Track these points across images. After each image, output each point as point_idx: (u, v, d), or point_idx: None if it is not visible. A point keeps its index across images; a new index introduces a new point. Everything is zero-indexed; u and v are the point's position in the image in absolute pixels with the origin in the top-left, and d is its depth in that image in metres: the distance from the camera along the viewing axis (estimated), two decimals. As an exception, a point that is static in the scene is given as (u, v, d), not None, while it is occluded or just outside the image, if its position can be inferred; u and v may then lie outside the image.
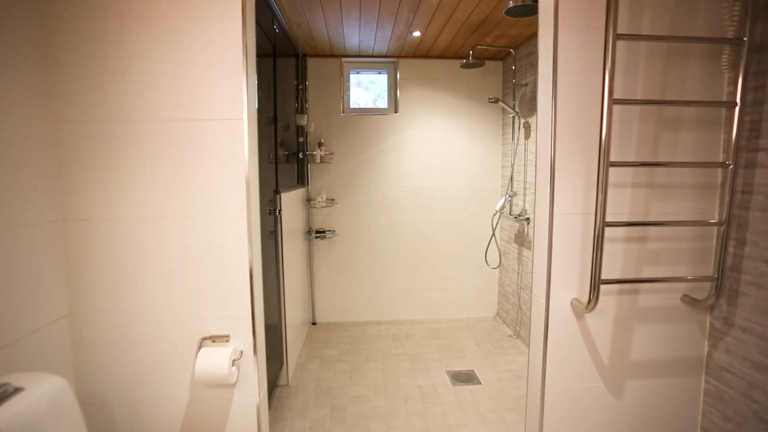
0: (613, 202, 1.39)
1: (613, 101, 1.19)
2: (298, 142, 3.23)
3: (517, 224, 3.16)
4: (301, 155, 3.26)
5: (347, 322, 3.52)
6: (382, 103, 3.57)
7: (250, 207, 1.33)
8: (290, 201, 2.76)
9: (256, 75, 1.42)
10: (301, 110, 2.70)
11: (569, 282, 1.40)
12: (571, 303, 1.40)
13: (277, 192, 2.35)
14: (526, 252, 3.01)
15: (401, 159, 3.43)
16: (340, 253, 3.47)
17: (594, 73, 1.33)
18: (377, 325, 3.49)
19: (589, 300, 1.27)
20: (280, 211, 2.34)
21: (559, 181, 1.36)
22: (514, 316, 3.24)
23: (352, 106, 3.49)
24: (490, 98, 2.81)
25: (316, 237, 3.33)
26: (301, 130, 3.18)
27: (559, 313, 1.40)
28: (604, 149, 1.19)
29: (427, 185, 3.46)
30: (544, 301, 1.41)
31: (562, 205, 1.37)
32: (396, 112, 3.44)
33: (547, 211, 1.39)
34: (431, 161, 3.45)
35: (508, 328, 3.35)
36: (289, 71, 3.02)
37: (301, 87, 3.12)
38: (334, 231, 3.44)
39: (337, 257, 3.47)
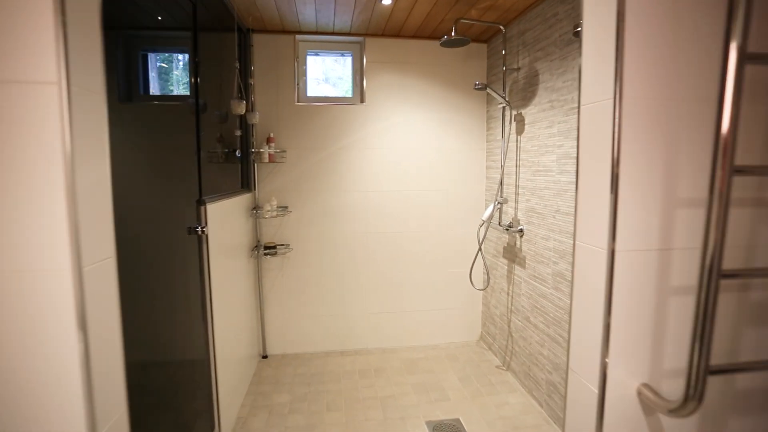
0: (685, 227, 0.87)
1: (747, 57, 0.66)
2: (242, 137, 2.60)
3: (506, 236, 2.66)
4: (243, 153, 2.63)
5: (305, 354, 2.93)
6: (346, 90, 2.98)
7: (80, 246, 0.72)
8: (226, 212, 2.14)
9: (97, 24, 0.81)
10: (241, 96, 2.09)
11: (636, 359, 0.87)
12: (640, 393, 0.88)
13: (200, 203, 1.74)
14: (518, 270, 2.51)
15: (369, 158, 2.86)
16: (296, 272, 2.87)
17: (691, 17, 0.81)
18: (341, 356, 2.91)
19: (687, 397, 0.75)
20: (204, 227, 1.72)
21: (623, 197, 0.83)
22: (502, 344, 2.75)
23: (309, 94, 2.88)
24: (476, 85, 2.30)
25: (266, 253, 2.71)
26: (243, 122, 2.55)
27: (619, 407, 0.88)
28: (723, 145, 0.67)
29: (400, 189, 2.91)
30: (596, 389, 0.88)
31: (628, 237, 0.84)
32: (362, 101, 2.86)
33: (603, 244, 0.86)
34: (405, 161, 2.90)
35: (495, 356, 2.85)
36: (226, 48, 2.38)
37: (239, 68, 2.49)
38: (287, 245, 2.83)
39: (291, 276, 2.87)
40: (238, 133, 2.24)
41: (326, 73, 3.01)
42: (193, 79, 1.78)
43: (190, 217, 1.78)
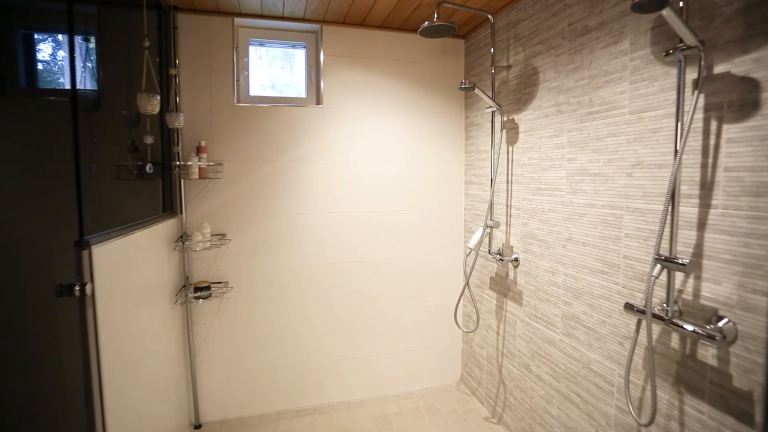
0: None
1: None
2: (163, 147, 1.98)
3: (495, 264, 2.24)
4: (166, 167, 2.02)
5: (252, 418, 2.32)
6: (298, 90, 2.45)
7: None
8: (135, 249, 1.54)
9: None
10: (154, 90, 1.50)
11: None
12: None
13: (81, 245, 1.14)
14: (511, 306, 2.09)
15: (327, 172, 2.34)
16: (237, 315, 2.27)
17: None
18: (297, 417, 2.34)
19: None
20: (85, 285, 1.12)
21: None
22: (491, 391, 2.31)
23: (252, 93, 2.32)
24: (462, 84, 1.87)
25: (197, 296, 2.10)
26: (163, 126, 1.94)
27: None
28: None
29: (366, 209, 2.41)
30: None
31: None
32: (319, 103, 2.35)
33: None
34: (371, 175, 2.41)
35: (482, 405, 2.41)
36: (140, 30, 1.78)
37: (152, 54, 1.90)
38: (225, 283, 2.23)
39: (232, 321, 2.27)
40: (149, 140, 1.62)
41: (272, 80, 2.47)
42: (71, 66, 1.18)
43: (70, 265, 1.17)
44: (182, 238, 2.13)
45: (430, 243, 2.54)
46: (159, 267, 1.84)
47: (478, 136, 2.39)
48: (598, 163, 1.53)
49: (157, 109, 1.51)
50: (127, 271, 1.46)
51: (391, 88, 2.41)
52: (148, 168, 1.61)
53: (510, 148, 2.08)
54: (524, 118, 1.96)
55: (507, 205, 2.11)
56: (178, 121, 1.84)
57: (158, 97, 1.51)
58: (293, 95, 2.42)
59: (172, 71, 1.90)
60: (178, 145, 2.04)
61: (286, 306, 2.33)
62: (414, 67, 2.45)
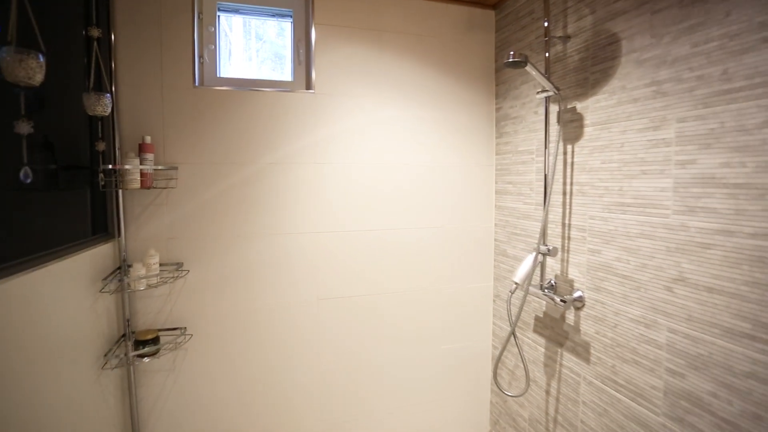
0: None
1: None
2: (93, 145, 1.40)
3: (542, 301, 1.69)
4: (94, 172, 1.43)
5: (219, 507, 1.73)
6: (283, 70, 1.89)
7: None
8: (32, 294, 0.96)
9: None
10: (34, 45, 0.91)
11: None
12: None
13: None
14: (570, 361, 1.54)
15: (321, 178, 1.77)
16: (200, 373, 1.69)
17: None
18: (281, 504, 1.76)
19: None
20: None
21: None
22: (537, 466, 1.76)
23: (223, 74, 1.75)
24: (510, 58, 1.32)
25: (140, 354, 1.51)
26: (85, 114, 1.36)
27: None
28: None
29: (371, 228, 1.85)
30: None
31: None
32: (309, 88, 1.78)
33: None
34: (378, 183, 1.85)
35: (523, 480, 1.85)
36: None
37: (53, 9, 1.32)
38: (182, 330, 1.65)
39: (193, 382, 1.68)
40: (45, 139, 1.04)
41: (249, 57, 1.90)
42: None
43: None
44: (120, 270, 1.54)
45: (452, 269, 1.98)
46: (75, 317, 1.26)
47: (517, 132, 1.84)
48: (740, 168, 0.99)
49: (39, 79, 0.92)
50: (13, 331, 0.88)
51: (403, 68, 1.86)
52: (23, 175, 1.02)
53: (570, 147, 1.53)
54: (593, 106, 1.42)
55: (563, 224, 1.57)
56: (101, 105, 1.25)
57: (40, 58, 0.92)
58: (276, 78, 1.85)
59: (94, 32, 1.31)
60: (104, 140, 1.44)
61: (268, 357, 1.75)
62: (432, 44, 1.90)
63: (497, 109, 1.99)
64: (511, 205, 1.89)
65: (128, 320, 1.57)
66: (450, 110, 1.94)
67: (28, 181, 1.01)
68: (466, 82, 1.96)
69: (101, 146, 1.28)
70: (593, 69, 1.42)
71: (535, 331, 1.75)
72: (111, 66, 1.47)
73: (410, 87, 1.87)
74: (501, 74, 1.95)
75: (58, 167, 1.35)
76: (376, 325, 1.89)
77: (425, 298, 1.95)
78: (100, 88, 1.32)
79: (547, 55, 1.57)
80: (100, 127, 1.28)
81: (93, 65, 1.23)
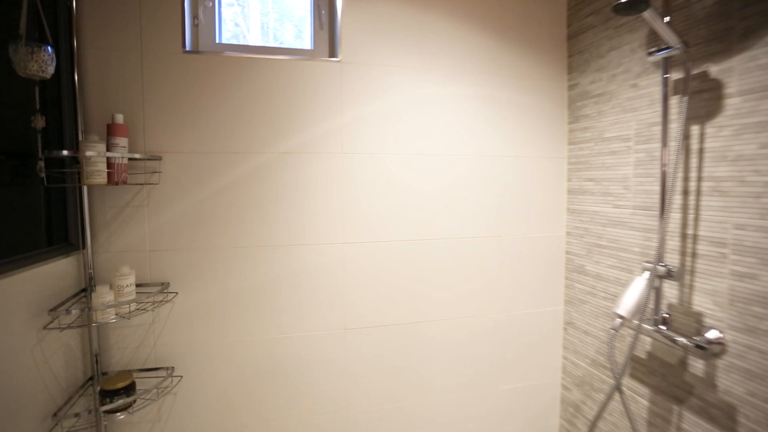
0: None
1: None
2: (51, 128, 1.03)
3: (649, 340, 1.25)
4: (46, 162, 1.05)
5: None
6: (300, 35, 1.49)
7: None
8: None
9: None
10: None
11: None
12: None
13: None
14: (699, 426, 1.10)
15: (348, 173, 1.37)
16: (192, 426, 1.29)
17: None
18: None
19: None
20: None
21: None
22: None
23: (223, 40, 1.36)
24: (623, 1, 0.91)
25: (108, 410, 1.11)
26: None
27: None
28: None
29: (412, 237, 1.44)
30: None
31: None
32: (333, 56, 1.38)
33: None
34: (420, 180, 1.44)
35: None
36: None
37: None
38: (168, 369, 1.26)
39: (181, 436, 1.29)
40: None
41: (262, 22, 1.50)
42: None
43: None
44: (84, 294, 1.16)
45: (510, 290, 1.56)
46: (18, 359, 0.88)
47: (602, 114, 1.41)
48: None
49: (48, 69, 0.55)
50: None
51: (452, 34, 1.45)
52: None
53: (697, 128, 1.10)
54: (741, 67, 0.99)
55: (683, 236, 1.13)
56: (37, 61, 0.86)
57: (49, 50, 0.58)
58: (291, 45, 1.46)
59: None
60: (43, 114, 1.06)
61: (280, 405, 1.35)
62: (488, 3, 1.48)
63: (571, 87, 1.56)
64: (593, 208, 1.45)
65: (97, 358, 1.19)
66: (509, 87, 1.51)
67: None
68: (530, 52, 1.53)
69: (39, 122, 0.90)
70: (745, 12, 0.98)
71: (635, 377, 1.31)
72: (70, 15, 1.09)
73: (460, 57, 1.46)
74: (576, 42, 1.52)
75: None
76: (419, 362, 1.47)
77: (478, 326, 1.52)
78: (42, 39, 0.94)
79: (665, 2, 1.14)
80: (37, 94, 0.90)
81: (25, 3, 0.85)
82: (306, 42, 1.46)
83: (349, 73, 1.36)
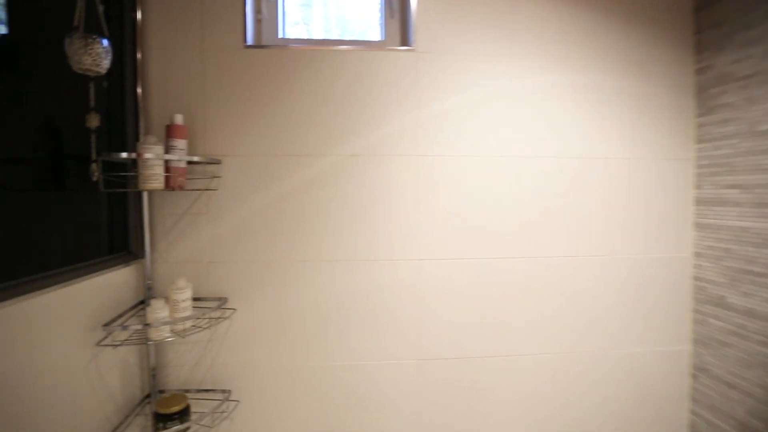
0: None
1: None
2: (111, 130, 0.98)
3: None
4: (109, 166, 0.99)
5: None
6: (369, 26, 1.35)
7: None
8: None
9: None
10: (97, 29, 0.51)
11: None
12: None
13: None
14: None
15: (425, 178, 1.18)
16: (247, 455, 1.18)
17: None
18: None
19: None
20: None
21: None
22: None
23: (286, 35, 1.26)
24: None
25: (163, 427, 1.03)
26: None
27: None
28: None
29: (502, 255, 1.21)
30: None
31: None
32: (406, 44, 1.22)
33: None
34: (508, 187, 1.21)
35: None
36: None
37: None
38: (225, 393, 1.15)
39: (236, 467, 1.18)
40: (94, 122, 0.64)
41: (326, 16, 1.39)
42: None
43: None
44: (142, 306, 1.09)
45: (620, 322, 1.26)
46: (59, 383, 0.81)
47: (753, 102, 1.09)
48: None
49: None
50: None
51: (542, 11, 1.22)
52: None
53: None
54: None
55: None
56: (91, 55, 0.78)
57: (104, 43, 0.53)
58: (356, 38, 1.32)
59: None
60: (97, 112, 1.00)
61: (339, 439, 1.19)
62: (596, -28, 1.23)
63: (700, 70, 1.25)
64: (739, 223, 1.13)
65: (154, 375, 1.12)
66: (616, 74, 1.24)
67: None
68: (642, 30, 1.25)
69: (93, 121, 0.83)
70: None
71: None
72: (134, 12, 1.04)
73: (554, 39, 1.22)
74: (709, 13, 1.22)
75: (59, 156, 0.94)
76: (503, 403, 1.23)
77: (572, 366, 1.25)
78: (99, 31, 0.88)
79: None
80: (92, 91, 0.83)
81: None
82: (374, 34, 1.31)
83: (425, 63, 1.18)
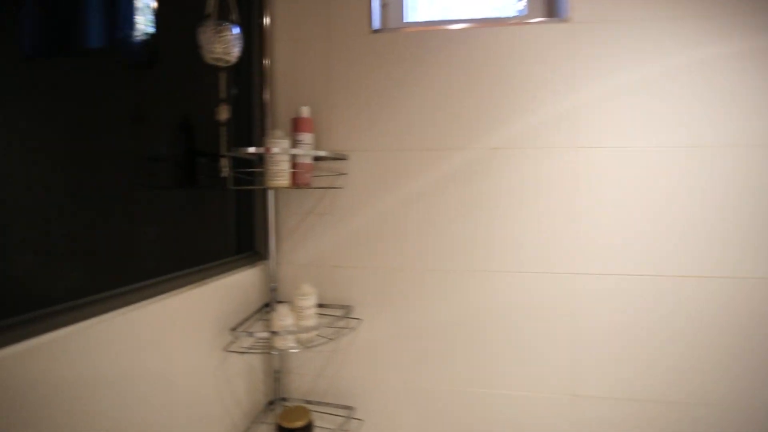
0: None
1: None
2: (239, 125, 0.96)
3: None
4: (236, 163, 0.96)
5: None
6: (503, 4, 1.16)
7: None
8: (149, 333, 0.47)
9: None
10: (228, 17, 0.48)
11: None
12: None
13: None
14: None
15: (581, 176, 0.97)
16: (369, 480, 1.07)
17: None
18: None
19: None
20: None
21: None
22: None
23: (413, 18, 1.14)
24: None
25: None
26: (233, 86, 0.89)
27: None
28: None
29: (672, 272, 0.94)
30: None
31: None
32: (556, 15, 1.01)
33: None
34: (693, 183, 0.94)
35: None
36: None
37: None
38: (348, 410, 1.06)
39: (357, 491, 1.07)
40: (224, 115, 0.62)
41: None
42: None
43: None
44: (267, 310, 1.05)
45: None
46: (190, 384, 0.78)
47: None
48: None
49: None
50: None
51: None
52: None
53: None
54: None
55: None
56: (222, 42, 0.72)
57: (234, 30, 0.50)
58: (495, 14, 1.14)
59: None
60: (227, 104, 0.96)
61: (472, 476, 1.03)
62: None
63: None
64: None
65: (277, 382, 1.07)
66: None
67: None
68: None
69: (223, 113, 0.78)
70: None
71: None
72: (262, 4, 1.00)
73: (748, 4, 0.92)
74: None
75: (191, 153, 0.92)
76: (684, 458, 0.96)
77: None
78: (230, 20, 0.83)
79: None
80: (222, 82, 0.78)
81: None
82: (510, 10, 1.13)
83: (582, 35, 0.97)
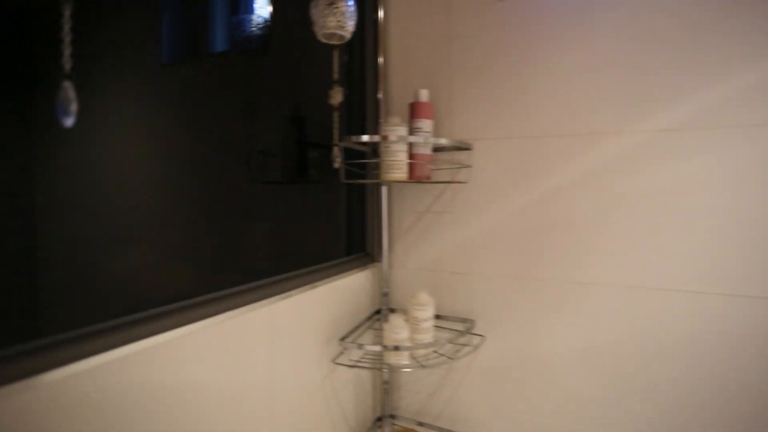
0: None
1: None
2: (352, 113, 0.88)
3: None
4: (352, 155, 0.87)
5: None
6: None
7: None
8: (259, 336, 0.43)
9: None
10: None
11: None
12: None
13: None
14: None
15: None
16: None
17: None
18: None
19: None
20: None
21: None
22: None
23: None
24: None
25: None
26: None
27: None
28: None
29: None
30: None
31: None
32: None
33: None
34: None
35: None
36: None
37: None
38: (466, 442, 0.91)
39: None
40: (339, 97, 0.55)
41: None
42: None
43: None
44: (377, 317, 0.95)
45: None
46: (308, 390, 0.72)
47: None
48: None
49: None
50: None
51: None
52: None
53: None
54: None
55: None
56: (336, 15, 0.63)
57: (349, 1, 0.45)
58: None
59: None
60: (341, 86, 0.86)
61: None
62: None
63: None
64: None
65: (386, 397, 0.96)
66: None
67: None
68: None
69: (337, 96, 0.69)
70: None
71: None
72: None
73: None
74: None
75: (302, 144, 0.86)
76: None
77: None
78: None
79: None
80: (336, 61, 0.68)
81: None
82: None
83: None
